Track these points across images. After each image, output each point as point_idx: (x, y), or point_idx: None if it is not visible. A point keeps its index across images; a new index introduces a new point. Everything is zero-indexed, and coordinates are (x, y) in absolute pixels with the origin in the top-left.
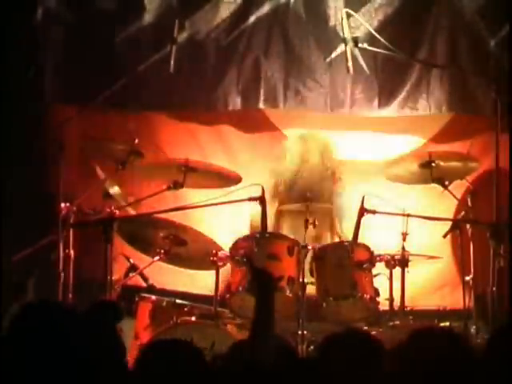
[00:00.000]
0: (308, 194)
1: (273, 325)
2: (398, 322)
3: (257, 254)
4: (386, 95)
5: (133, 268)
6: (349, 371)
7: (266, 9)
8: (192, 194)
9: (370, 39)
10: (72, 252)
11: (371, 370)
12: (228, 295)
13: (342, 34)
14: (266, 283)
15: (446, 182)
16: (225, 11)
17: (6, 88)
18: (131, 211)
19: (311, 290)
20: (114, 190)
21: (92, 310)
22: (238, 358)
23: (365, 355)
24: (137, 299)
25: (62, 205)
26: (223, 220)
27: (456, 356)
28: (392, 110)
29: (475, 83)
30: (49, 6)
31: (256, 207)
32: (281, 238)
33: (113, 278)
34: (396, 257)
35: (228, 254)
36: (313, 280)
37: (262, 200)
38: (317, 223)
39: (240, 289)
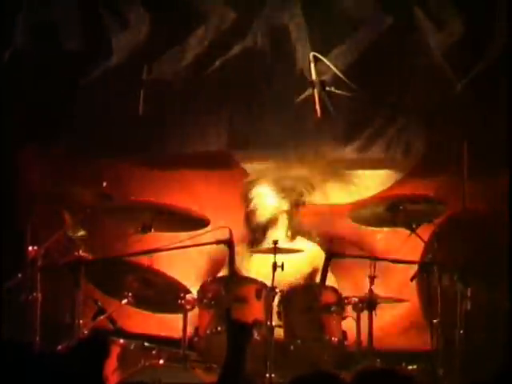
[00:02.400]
0: (275, 235)
1: (243, 372)
2: (366, 364)
3: (224, 297)
4: (353, 138)
5: (101, 311)
6: None
7: (233, 51)
8: (160, 237)
9: (337, 82)
10: (40, 295)
11: None
12: (196, 338)
13: (309, 78)
14: (242, 334)
15: (414, 225)
16: (191, 54)
17: None
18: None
19: (279, 332)
20: (81, 233)
21: (80, 347)
22: None
23: None
24: None
25: (30, 248)
26: (191, 262)
27: None
28: (358, 152)
29: (441, 126)
30: (16, 47)
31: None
32: (248, 280)
33: (81, 321)
34: (364, 300)
35: (196, 296)
36: (280, 323)
37: (229, 243)
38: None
39: (208, 332)
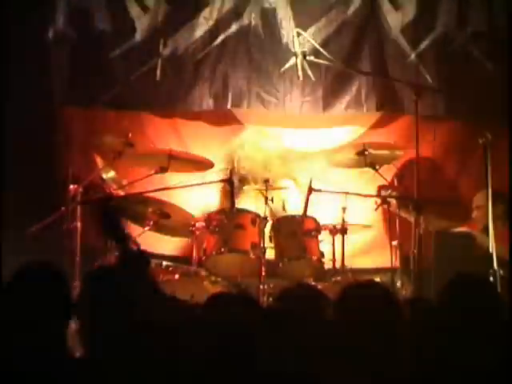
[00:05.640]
0: (267, 176)
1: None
2: (339, 278)
3: (226, 224)
4: (329, 98)
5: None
6: (299, 317)
7: (232, 29)
8: (174, 177)
9: (316, 53)
10: (79, 224)
11: (317, 316)
12: (204, 257)
13: (293, 49)
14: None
15: (377, 167)
16: (200, 31)
17: (24, 93)
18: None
19: (270, 253)
20: (111, 174)
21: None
22: (213, 307)
23: (312, 304)
24: None
25: (71, 186)
26: (199, 197)
27: (383, 304)
28: (333, 110)
29: (400, 88)
30: (58, 27)
31: None
32: (245, 211)
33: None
34: (337, 226)
35: (203, 224)
36: (271, 245)
37: (230, 181)
38: (274, 199)
39: (213, 252)
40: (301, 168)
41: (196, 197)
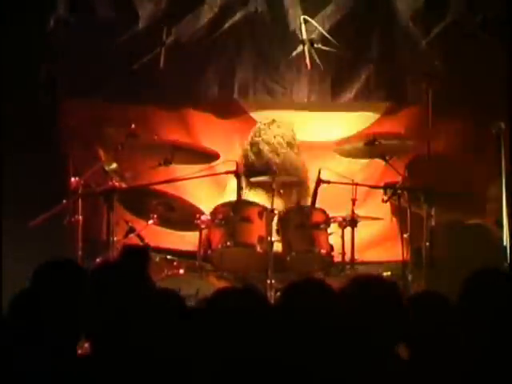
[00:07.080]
0: (274, 168)
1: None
2: (348, 272)
3: (232, 217)
4: (337, 87)
5: (131, 230)
6: (306, 312)
7: (238, 16)
8: (179, 169)
9: (324, 40)
10: (80, 217)
11: (324, 311)
12: (209, 251)
13: (300, 37)
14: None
15: (387, 157)
16: (204, 18)
17: (25, 83)
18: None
19: (277, 246)
20: (113, 166)
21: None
22: (218, 302)
23: (319, 299)
24: None
25: (72, 179)
26: (205, 189)
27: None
28: (342, 99)
29: (410, 77)
30: (59, 15)
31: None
32: (252, 204)
33: (114, 238)
34: (347, 218)
35: (209, 217)
36: (279, 238)
37: (236, 173)
38: (281, 192)
39: (219, 246)
40: (310, 158)
41: (202, 189)
